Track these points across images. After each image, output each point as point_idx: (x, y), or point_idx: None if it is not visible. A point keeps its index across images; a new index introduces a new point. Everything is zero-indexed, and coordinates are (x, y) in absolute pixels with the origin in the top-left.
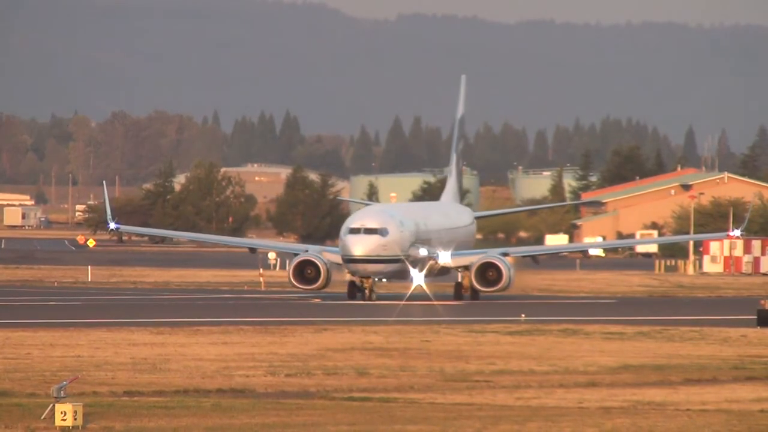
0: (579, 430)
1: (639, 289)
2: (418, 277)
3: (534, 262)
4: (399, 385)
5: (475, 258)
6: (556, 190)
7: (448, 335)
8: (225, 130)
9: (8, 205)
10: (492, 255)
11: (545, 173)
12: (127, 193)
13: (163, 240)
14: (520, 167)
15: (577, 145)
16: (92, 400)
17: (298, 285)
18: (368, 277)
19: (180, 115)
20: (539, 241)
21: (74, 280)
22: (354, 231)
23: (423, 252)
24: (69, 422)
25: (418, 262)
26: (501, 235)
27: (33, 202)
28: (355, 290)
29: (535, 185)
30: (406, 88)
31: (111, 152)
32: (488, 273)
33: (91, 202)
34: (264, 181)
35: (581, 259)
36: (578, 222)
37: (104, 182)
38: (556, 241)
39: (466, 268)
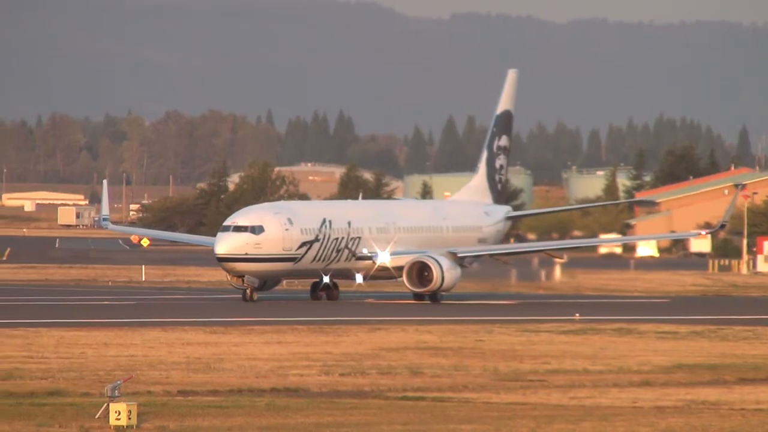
0: (633, 430)
1: (692, 288)
2: (358, 277)
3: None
4: (453, 384)
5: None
6: (610, 189)
7: (501, 335)
8: (279, 129)
9: (62, 204)
10: (426, 255)
11: (599, 173)
12: (181, 192)
13: None
14: (574, 167)
15: (631, 144)
16: (146, 399)
17: (237, 285)
18: (241, 277)
19: (233, 114)
20: None
21: (128, 279)
22: (224, 228)
23: (362, 251)
24: (123, 422)
25: (359, 261)
26: (555, 235)
27: (87, 202)
28: (318, 290)
29: (589, 185)
30: (459, 88)
31: (164, 151)
32: (425, 273)
33: (145, 202)
34: (318, 180)
35: (633, 259)
36: (632, 221)
37: (104, 182)
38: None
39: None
